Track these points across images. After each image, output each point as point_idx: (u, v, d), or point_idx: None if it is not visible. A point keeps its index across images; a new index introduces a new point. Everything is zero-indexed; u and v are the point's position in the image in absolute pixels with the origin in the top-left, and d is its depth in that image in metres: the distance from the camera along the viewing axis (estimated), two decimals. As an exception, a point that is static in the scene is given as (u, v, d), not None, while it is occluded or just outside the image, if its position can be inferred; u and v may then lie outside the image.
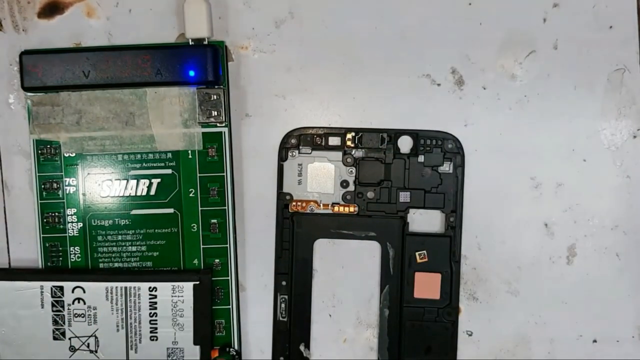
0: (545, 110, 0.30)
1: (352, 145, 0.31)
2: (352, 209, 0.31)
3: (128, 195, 0.30)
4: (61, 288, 0.30)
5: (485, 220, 0.31)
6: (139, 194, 0.30)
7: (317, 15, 0.31)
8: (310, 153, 0.31)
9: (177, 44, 0.31)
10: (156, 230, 0.30)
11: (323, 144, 0.31)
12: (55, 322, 0.30)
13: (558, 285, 0.31)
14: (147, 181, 0.30)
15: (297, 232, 0.31)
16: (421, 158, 0.30)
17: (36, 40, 0.31)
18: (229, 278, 0.31)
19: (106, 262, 0.31)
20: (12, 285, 0.30)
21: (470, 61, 0.30)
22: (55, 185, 0.30)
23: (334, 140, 0.31)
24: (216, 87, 0.29)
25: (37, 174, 0.30)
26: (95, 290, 0.30)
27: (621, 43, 0.30)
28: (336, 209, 0.31)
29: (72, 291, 0.30)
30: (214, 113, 0.29)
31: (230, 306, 0.31)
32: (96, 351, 0.30)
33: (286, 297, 0.31)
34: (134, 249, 0.31)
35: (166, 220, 0.30)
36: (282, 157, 0.31)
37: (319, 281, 0.32)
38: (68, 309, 0.30)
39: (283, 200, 0.31)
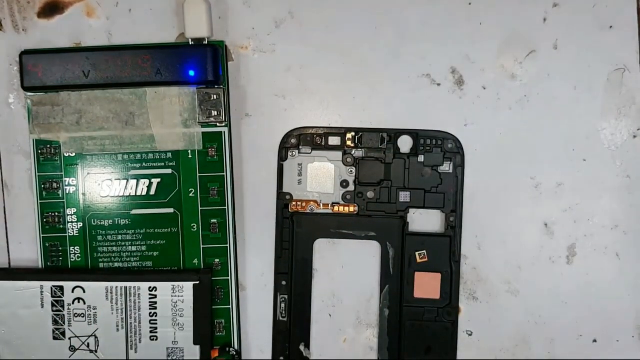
0: (545, 110, 0.30)
1: (352, 145, 0.31)
2: (352, 209, 0.31)
3: (128, 195, 0.30)
4: (61, 288, 0.30)
5: (485, 220, 0.31)
6: (139, 193, 0.30)
7: (317, 15, 0.31)
8: (310, 153, 0.31)
9: (177, 43, 0.31)
10: (156, 230, 0.30)
11: (323, 143, 0.31)
12: (55, 322, 0.30)
13: (558, 285, 0.31)
14: (147, 181, 0.30)
15: (297, 232, 0.31)
16: (421, 158, 0.30)
17: (36, 40, 0.31)
18: (229, 278, 0.31)
19: (106, 262, 0.31)
20: (12, 285, 0.30)
21: (470, 61, 0.30)
22: (55, 185, 0.30)
23: (334, 140, 0.31)
24: (216, 87, 0.29)
25: (37, 174, 0.30)
26: (95, 290, 0.30)
27: (621, 43, 0.30)
28: (336, 208, 0.31)
29: (72, 291, 0.30)
30: (214, 113, 0.29)
31: (230, 306, 0.31)
32: (96, 351, 0.30)
33: (286, 297, 0.31)
34: (134, 248, 0.31)
35: (166, 220, 0.30)
36: (282, 157, 0.31)
37: (319, 281, 0.32)
38: (68, 308, 0.30)
39: (283, 200, 0.31)
